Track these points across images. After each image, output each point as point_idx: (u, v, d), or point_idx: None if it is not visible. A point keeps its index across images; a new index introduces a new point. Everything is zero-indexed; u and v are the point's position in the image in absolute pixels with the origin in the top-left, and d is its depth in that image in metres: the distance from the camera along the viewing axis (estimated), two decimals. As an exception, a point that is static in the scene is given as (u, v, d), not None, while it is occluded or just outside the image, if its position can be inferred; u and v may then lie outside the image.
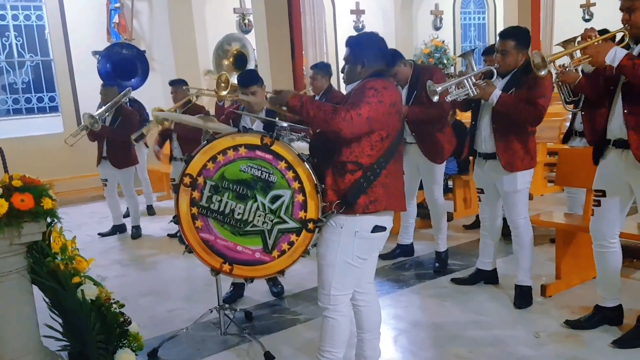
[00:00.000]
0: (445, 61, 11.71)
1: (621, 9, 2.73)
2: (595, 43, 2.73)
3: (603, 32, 2.88)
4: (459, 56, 7.06)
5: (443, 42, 12.18)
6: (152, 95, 8.09)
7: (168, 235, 6.03)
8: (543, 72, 2.83)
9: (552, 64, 2.93)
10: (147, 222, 6.70)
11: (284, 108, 2.51)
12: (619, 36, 2.83)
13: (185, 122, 3.77)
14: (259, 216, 2.57)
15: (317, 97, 5.13)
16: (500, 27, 7.46)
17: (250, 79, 3.71)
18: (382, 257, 4.67)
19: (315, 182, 2.48)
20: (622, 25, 2.77)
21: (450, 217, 5.72)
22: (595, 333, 3.14)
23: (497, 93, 3.36)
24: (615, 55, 2.64)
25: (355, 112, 2.30)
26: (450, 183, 6.09)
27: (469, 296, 3.84)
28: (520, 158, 3.44)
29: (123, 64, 7.78)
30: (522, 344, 3.13)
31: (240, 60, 7.42)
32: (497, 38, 3.54)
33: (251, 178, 2.57)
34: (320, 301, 2.57)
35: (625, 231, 3.11)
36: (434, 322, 3.50)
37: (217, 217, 2.65)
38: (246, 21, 9.89)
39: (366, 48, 2.53)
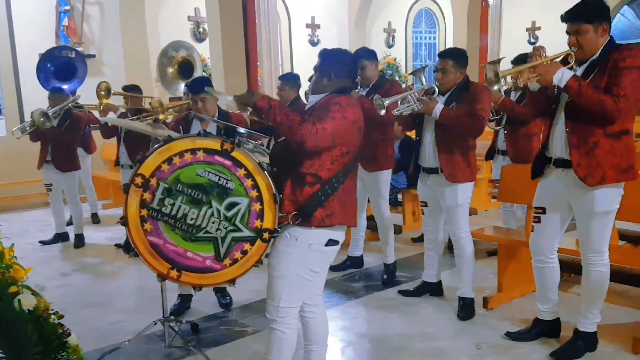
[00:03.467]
0: (397, 78, 11.96)
1: (568, 32, 2.86)
2: (544, 63, 2.86)
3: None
4: (410, 73, 7.25)
5: (395, 59, 12.45)
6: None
7: (115, 245, 5.86)
8: (496, 87, 2.95)
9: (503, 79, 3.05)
10: (91, 230, 6.49)
11: (250, 109, 2.49)
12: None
13: (134, 129, 3.70)
14: (213, 222, 2.51)
15: None
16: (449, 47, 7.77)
17: (200, 86, 3.68)
18: (332, 268, 4.69)
19: (274, 192, 2.46)
20: (567, 48, 2.90)
21: (399, 230, 5.84)
22: (534, 345, 3.25)
23: (439, 107, 3.50)
24: (562, 76, 2.77)
25: (321, 126, 2.32)
26: (400, 197, 6.21)
27: (415, 308, 3.91)
28: (462, 170, 3.57)
29: (63, 67, 7.54)
30: (464, 355, 3.21)
31: (185, 68, 7.33)
32: (437, 58, 3.72)
33: (208, 183, 2.51)
34: (269, 313, 2.55)
35: (563, 247, 3.24)
36: (381, 333, 3.55)
37: (168, 220, 2.56)
38: (201, 29, 9.82)
39: (336, 63, 2.57)
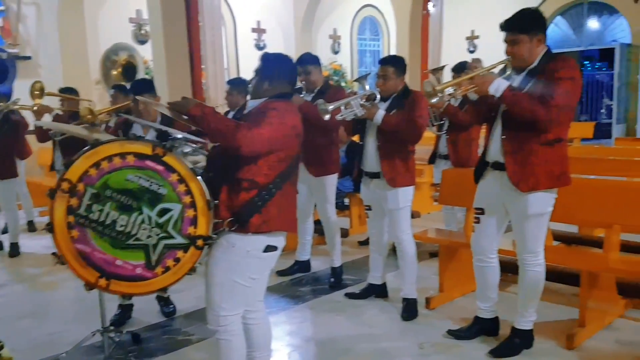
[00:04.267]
0: (343, 84, 12.10)
1: (506, 40, 2.97)
2: (481, 74, 2.97)
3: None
4: (354, 80, 7.36)
5: (341, 65, 12.59)
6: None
7: (52, 253, 5.60)
8: (434, 100, 3.03)
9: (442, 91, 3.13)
10: (27, 238, 6.22)
11: (184, 117, 2.41)
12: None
13: (69, 132, 3.57)
14: (144, 229, 2.42)
15: (231, 113, 5.09)
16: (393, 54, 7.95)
17: (142, 87, 3.63)
18: (279, 273, 4.70)
19: (208, 198, 2.41)
20: (504, 57, 3.01)
21: (346, 234, 5.89)
22: (474, 344, 3.34)
23: (381, 113, 3.59)
24: (498, 86, 2.88)
25: (257, 131, 2.30)
26: (346, 200, 6.27)
27: (360, 310, 3.95)
28: (401, 174, 3.66)
29: None
30: (408, 355, 3.27)
31: (129, 70, 7.18)
32: (378, 64, 3.79)
33: (138, 188, 2.41)
34: (210, 323, 2.50)
35: (502, 247, 3.37)
36: (327, 336, 3.57)
37: (96, 227, 2.45)
38: (142, 31, 9.61)
39: (278, 67, 2.57)
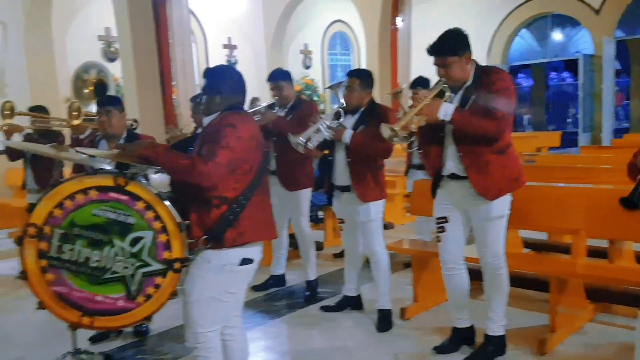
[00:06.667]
0: (315, 99, 12.18)
1: (436, 64, 3.05)
2: (427, 103, 3.01)
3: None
4: (327, 87, 7.45)
5: (313, 80, 12.68)
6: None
7: (19, 277, 5.46)
8: (396, 140, 3.07)
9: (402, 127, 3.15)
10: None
11: (136, 159, 2.39)
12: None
13: (37, 152, 3.53)
14: (119, 261, 2.41)
15: (198, 130, 5.06)
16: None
17: (107, 100, 3.67)
18: (254, 288, 4.67)
19: (179, 221, 2.40)
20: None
21: (320, 247, 5.89)
22: (450, 354, 3.34)
23: (348, 133, 3.64)
24: (446, 112, 2.96)
25: (213, 163, 2.28)
26: (320, 214, 6.28)
27: (335, 323, 3.95)
28: (372, 189, 3.70)
29: None
30: (384, 366, 3.28)
31: (100, 88, 7.15)
32: (346, 76, 3.83)
33: (106, 222, 2.40)
34: (188, 341, 2.48)
35: (469, 255, 3.41)
36: (302, 351, 3.55)
37: (70, 267, 2.44)
38: (112, 49, 9.54)
39: (224, 79, 2.56)
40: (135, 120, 6.09)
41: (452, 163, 3.12)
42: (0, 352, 3.73)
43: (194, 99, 5.14)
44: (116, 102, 3.71)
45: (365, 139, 3.60)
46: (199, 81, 10.54)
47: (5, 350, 3.78)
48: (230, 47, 11.66)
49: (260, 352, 3.55)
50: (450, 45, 2.99)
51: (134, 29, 6.78)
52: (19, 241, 2.47)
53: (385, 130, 3.00)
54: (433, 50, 3.02)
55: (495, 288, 3.20)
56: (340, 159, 3.75)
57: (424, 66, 4.14)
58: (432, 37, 3.08)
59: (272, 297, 4.61)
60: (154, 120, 6.99)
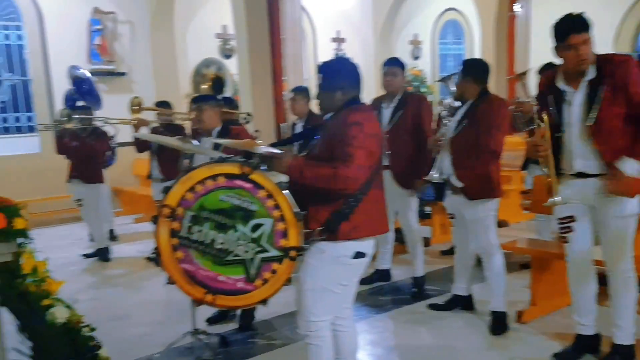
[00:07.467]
0: (423, 90, 11.91)
1: (572, 42, 2.75)
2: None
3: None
4: (438, 80, 7.23)
5: (421, 71, 12.41)
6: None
7: (146, 258, 5.92)
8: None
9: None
10: (123, 244, 6.62)
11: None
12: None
13: (164, 144, 3.79)
14: (240, 245, 2.55)
15: (300, 123, 5.17)
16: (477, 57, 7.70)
17: (201, 97, 3.95)
18: (359, 281, 4.65)
19: (296, 211, 2.49)
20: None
21: (427, 243, 5.76)
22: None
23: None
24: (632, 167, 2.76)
25: (355, 166, 2.31)
26: (428, 209, 6.13)
27: (445, 322, 3.84)
28: (484, 187, 3.52)
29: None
30: (497, 370, 3.13)
31: (218, 83, 7.47)
32: (460, 66, 3.69)
33: (231, 207, 2.55)
34: (300, 327, 2.56)
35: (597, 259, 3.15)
36: (410, 348, 3.49)
37: (198, 247, 2.61)
38: (228, 46, 9.97)
39: (343, 73, 2.54)
40: (248, 114, 6.33)
41: (581, 162, 2.90)
42: (127, 328, 4.05)
43: (296, 89, 5.24)
44: (207, 99, 3.93)
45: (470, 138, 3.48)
46: (307, 75, 10.77)
47: (131, 326, 4.09)
48: (338, 40, 11.71)
49: (367, 345, 3.54)
50: (586, 22, 2.76)
51: (250, 26, 7.02)
52: (154, 220, 2.65)
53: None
54: (575, 25, 2.76)
55: (623, 293, 2.95)
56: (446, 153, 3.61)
57: (544, 55, 3.88)
58: (551, 23, 2.86)
59: (377, 292, 4.58)
60: (265, 115, 7.22)
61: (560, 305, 3.84)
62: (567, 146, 2.94)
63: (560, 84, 2.93)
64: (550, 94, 2.98)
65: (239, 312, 3.87)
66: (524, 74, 3.39)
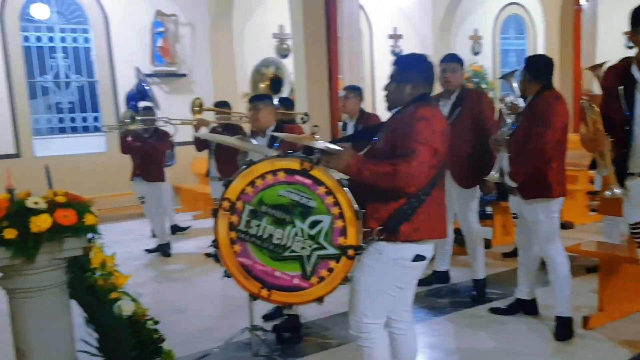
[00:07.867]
0: (484, 86, 11.61)
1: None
2: None
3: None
4: (500, 77, 7.01)
5: (482, 67, 12.09)
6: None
7: (205, 254, 6.06)
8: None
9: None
10: (183, 240, 6.79)
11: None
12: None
13: (224, 143, 3.86)
14: (298, 241, 2.53)
15: (351, 123, 5.14)
16: (540, 53, 7.41)
17: (257, 96, 4.03)
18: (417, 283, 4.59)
19: (356, 209, 2.44)
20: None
21: (488, 245, 5.59)
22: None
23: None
24: None
25: (416, 162, 2.23)
26: (488, 209, 5.96)
27: (507, 326, 3.72)
28: (538, 186, 3.38)
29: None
30: (563, 378, 3.01)
31: (276, 83, 7.55)
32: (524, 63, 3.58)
33: (290, 203, 2.53)
34: (351, 328, 2.51)
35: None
36: (470, 351, 3.41)
37: (255, 241, 2.61)
38: (284, 46, 10.05)
39: (417, 68, 2.49)
40: (306, 114, 6.36)
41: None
42: (186, 322, 4.14)
43: (347, 87, 5.22)
44: (263, 98, 3.98)
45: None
46: (362, 74, 10.70)
47: (190, 320, 4.19)
48: (395, 37, 11.59)
49: (426, 348, 3.47)
50: None
51: (307, 25, 7.03)
52: (215, 213, 2.68)
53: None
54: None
55: None
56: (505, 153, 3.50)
57: (612, 50, 3.70)
58: (621, 18, 2.71)
59: (435, 294, 4.49)
60: (321, 114, 7.23)
61: (630, 311, 3.66)
62: (637, 141, 2.77)
63: (636, 72, 2.75)
64: (621, 85, 2.80)
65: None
66: (600, 65, 3.22)
